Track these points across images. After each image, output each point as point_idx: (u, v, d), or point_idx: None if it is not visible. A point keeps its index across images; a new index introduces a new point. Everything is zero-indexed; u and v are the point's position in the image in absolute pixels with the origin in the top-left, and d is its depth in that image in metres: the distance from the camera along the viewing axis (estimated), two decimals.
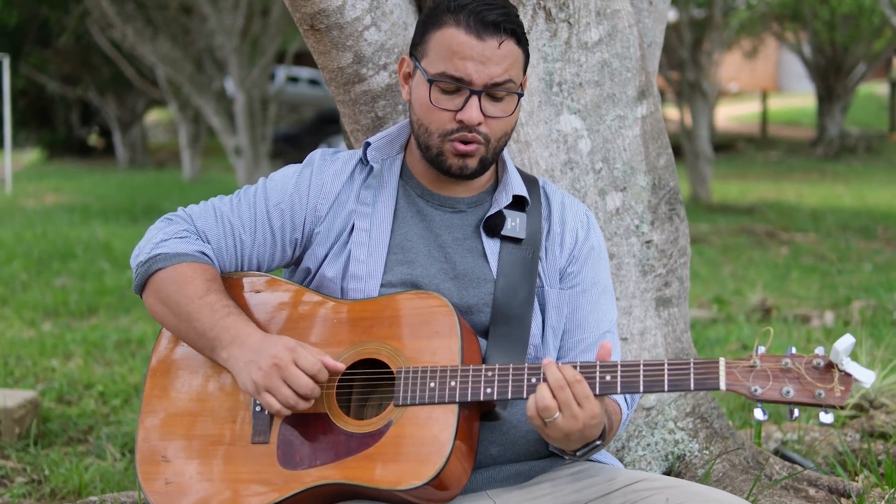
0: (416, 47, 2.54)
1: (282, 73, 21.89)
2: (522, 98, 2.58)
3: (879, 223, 13.43)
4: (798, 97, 37.74)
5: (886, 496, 3.34)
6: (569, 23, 3.13)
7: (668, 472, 3.24)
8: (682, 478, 3.23)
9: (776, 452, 3.80)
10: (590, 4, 3.16)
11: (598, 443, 2.33)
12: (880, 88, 34.89)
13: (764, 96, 31.57)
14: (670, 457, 3.28)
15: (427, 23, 2.53)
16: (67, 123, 33.48)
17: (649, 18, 3.46)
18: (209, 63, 17.54)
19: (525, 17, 3.06)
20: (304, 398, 2.38)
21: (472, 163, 2.51)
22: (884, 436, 4.12)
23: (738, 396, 4.74)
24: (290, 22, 17.63)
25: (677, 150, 19.71)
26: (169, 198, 17.95)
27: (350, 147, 3.23)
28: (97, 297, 8.33)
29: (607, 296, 2.66)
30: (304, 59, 29.26)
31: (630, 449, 3.26)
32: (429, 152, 2.53)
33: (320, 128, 28.38)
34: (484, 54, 2.44)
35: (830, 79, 26.73)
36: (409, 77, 2.59)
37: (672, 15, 20.20)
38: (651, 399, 3.30)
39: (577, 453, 2.34)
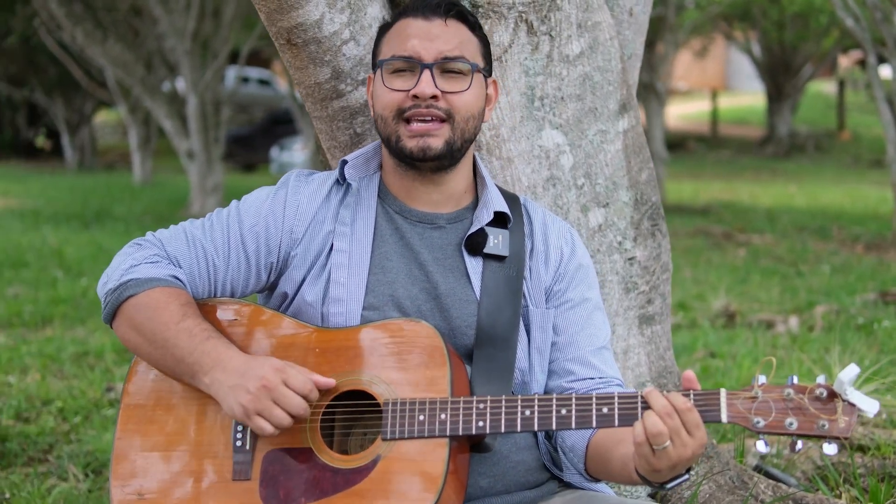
0: (375, 58, 2.54)
1: (232, 73, 21.68)
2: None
3: (834, 223, 13.52)
4: (747, 96, 38.06)
5: None
6: (550, 36, 3.06)
7: (653, 495, 3.18)
8: (669, 500, 3.17)
9: (757, 468, 3.76)
10: (571, 17, 3.09)
11: (686, 476, 2.25)
12: (828, 87, 35.27)
13: (714, 95, 31.77)
14: None
15: (381, 31, 2.57)
16: (14, 125, 32.99)
17: (630, 30, 3.39)
18: (160, 65, 17.31)
19: (507, 31, 2.98)
20: (298, 419, 2.29)
21: (435, 143, 2.43)
22: (862, 448, 4.08)
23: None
24: (243, 23, 17.46)
25: None
26: (121, 201, 17.72)
27: (324, 160, 3.14)
28: (51, 306, 8.16)
29: (599, 312, 2.60)
30: (254, 59, 29.04)
31: None
32: (390, 143, 2.48)
33: (271, 129, 28.12)
34: (431, 31, 2.45)
35: (779, 78, 26.97)
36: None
37: None
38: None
39: (667, 486, 2.24)
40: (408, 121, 2.43)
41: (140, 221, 14.51)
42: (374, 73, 2.53)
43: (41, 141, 34.71)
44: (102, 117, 35.71)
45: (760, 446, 2.14)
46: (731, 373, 5.67)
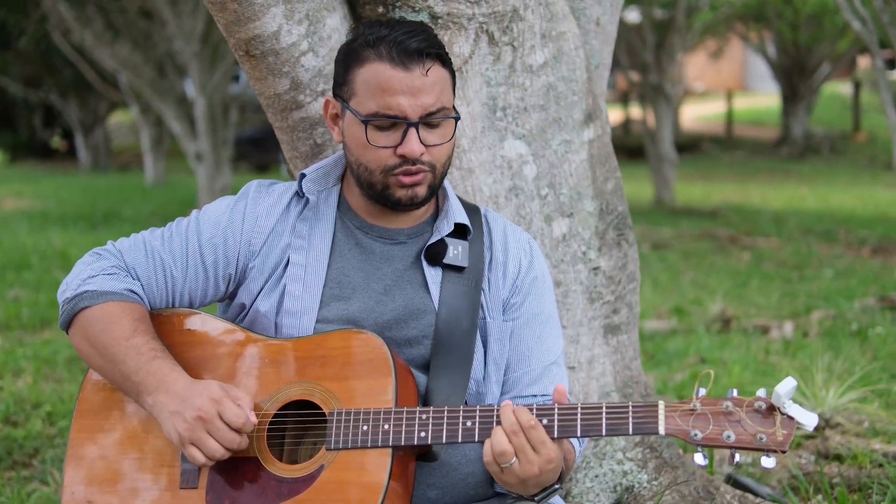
0: (341, 87, 2.48)
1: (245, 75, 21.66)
2: (461, 121, 2.52)
3: (842, 226, 13.45)
4: (763, 97, 37.90)
5: None
6: (513, 46, 3.06)
7: None
8: None
9: (729, 478, 3.75)
10: (535, 27, 3.09)
11: (557, 486, 2.28)
12: (844, 88, 35.08)
13: (729, 96, 31.65)
14: (619, 488, 3.21)
15: (347, 61, 2.47)
16: (30, 126, 33.15)
17: (596, 40, 3.39)
18: (170, 67, 17.36)
19: (467, 41, 2.99)
20: (231, 451, 2.31)
21: (422, 191, 2.46)
22: (839, 457, 4.07)
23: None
24: None
25: (641, 153, 19.66)
26: (130, 203, 17.78)
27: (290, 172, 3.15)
28: (50, 309, 8.19)
29: (552, 326, 2.60)
30: None
31: (578, 480, 3.20)
32: (373, 189, 2.47)
33: None
34: (413, 85, 2.39)
35: (794, 79, 26.83)
36: (337, 118, 2.52)
37: (635, 17, 20.23)
38: None
39: (536, 498, 2.28)
40: (396, 175, 2.43)
41: (148, 223, 14.53)
42: (344, 107, 2.46)
43: (56, 142, 34.86)
44: (118, 118, 35.84)
45: (698, 458, 2.14)
46: (721, 379, 5.65)
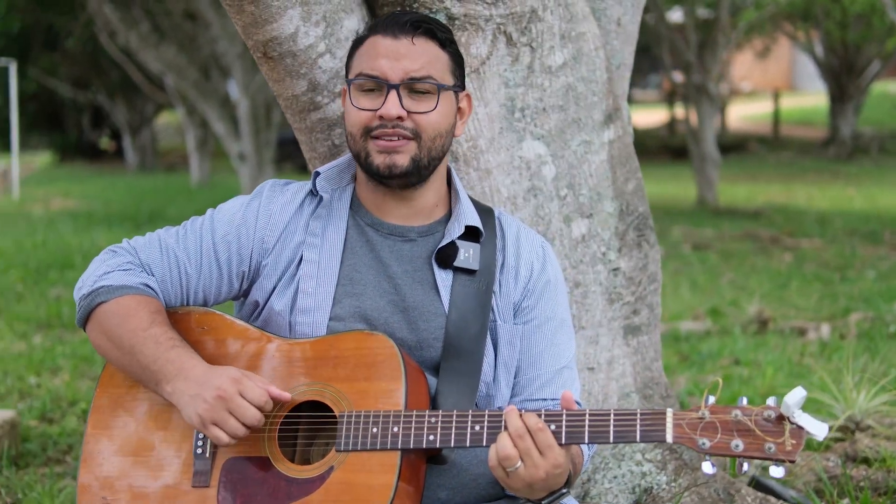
0: (348, 71, 2.55)
1: None
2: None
3: (888, 227, 13.29)
4: (811, 96, 37.53)
5: None
6: (531, 47, 3.06)
7: None
8: None
9: (752, 480, 3.72)
10: (554, 28, 3.09)
11: (564, 491, 2.27)
12: (894, 87, 34.65)
13: (776, 96, 31.37)
14: (637, 489, 3.20)
15: (354, 45, 2.56)
16: (79, 127, 33.57)
17: (617, 40, 3.38)
18: (214, 69, 17.50)
19: (485, 42, 2.99)
20: (252, 429, 2.33)
21: (401, 160, 2.45)
22: (867, 460, 4.02)
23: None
24: None
25: (686, 154, 19.51)
26: (175, 203, 17.94)
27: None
28: None
29: (564, 330, 2.60)
30: None
31: (596, 482, 3.20)
32: (360, 160, 2.50)
33: None
34: (398, 51, 2.45)
35: (843, 78, 26.54)
36: (345, 101, 2.57)
37: (678, 16, 20.11)
38: None
39: (543, 502, 2.27)
40: (375, 138, 2.45)
41: None
42: (345, 86, 2.55)
43: (105, 142, 35.26)
44: (165, 119, 36.17)
45: (706, 467, 2.13)
46: (754, 381, 5.61)
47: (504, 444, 2.18)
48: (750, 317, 7.43)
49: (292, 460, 2.40)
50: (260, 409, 2.32)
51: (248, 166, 15.27)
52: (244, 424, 2.31)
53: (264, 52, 2.87)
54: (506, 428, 2.20)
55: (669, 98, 30.53)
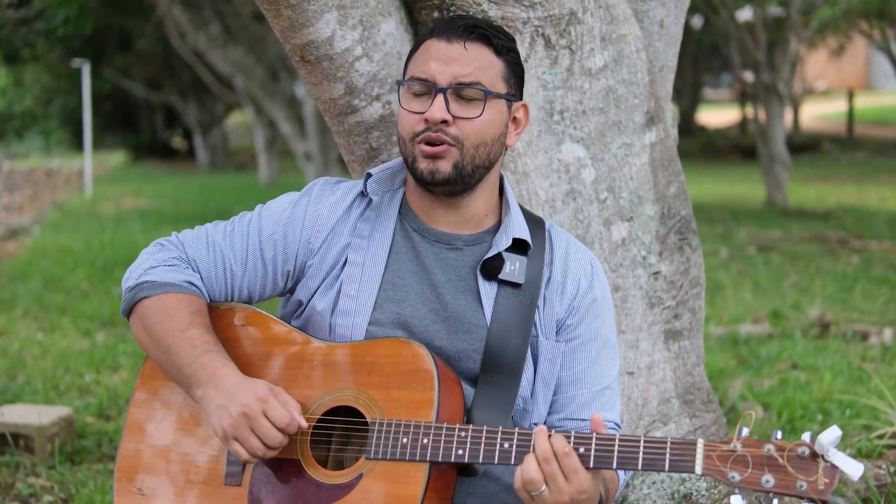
0: (404, 74, 2.54)
1: None
2: (519, 111, 2.53)
3: None
4: (887, 96, 36.90)
5: None
6: (570, 49, 3.04)
7: None
8: None
9: None
10: (594, 30, 3.07)
11: None
12: None
13: (850, 95, 30.87)
14: (676, 496, 3.17)
15: (413, 48, 2.54)
16: (152, 126, 34.07)
17: (660, 42, 3.35)
18: (282, 70, 17.65)
19: (523, 45, 2.98)
20: (273, 449, 2.34)
21: (444, 166, 2.43)
22: None
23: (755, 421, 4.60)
24: None
25: (755, 153, 19.23)
26: (243, 202, 18.10)
27: None
28: None
29: (608, 350, 2.56)
30: None
31: (635, 487, 3.17)
32: (408, 163, 2.49)
33: None
34: (450, 55, 2.43)
35: None
36: None
37: (747, 14, 19.86)
38: (657, 434, 3.20)
39: None
40: (422, 143, 2.44)
41: None
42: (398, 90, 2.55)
43: (177, 142, 35.74)
44: (235, 119, 36.54)
45: (735, 501, 2.08)
46: (811, 386, 5.52)
47: (529, 466, 2.15)
48: (811, 320, 7.31)
49: (325, 463, 2.41)
50: (282, 431, 2.32)
51: (314, 165, 15.38)
52: (265, 444, 2.32)
53: (301, 55, 2.89)
54: (533, 450, 2.18)
55: (741, 97, 30.17)
